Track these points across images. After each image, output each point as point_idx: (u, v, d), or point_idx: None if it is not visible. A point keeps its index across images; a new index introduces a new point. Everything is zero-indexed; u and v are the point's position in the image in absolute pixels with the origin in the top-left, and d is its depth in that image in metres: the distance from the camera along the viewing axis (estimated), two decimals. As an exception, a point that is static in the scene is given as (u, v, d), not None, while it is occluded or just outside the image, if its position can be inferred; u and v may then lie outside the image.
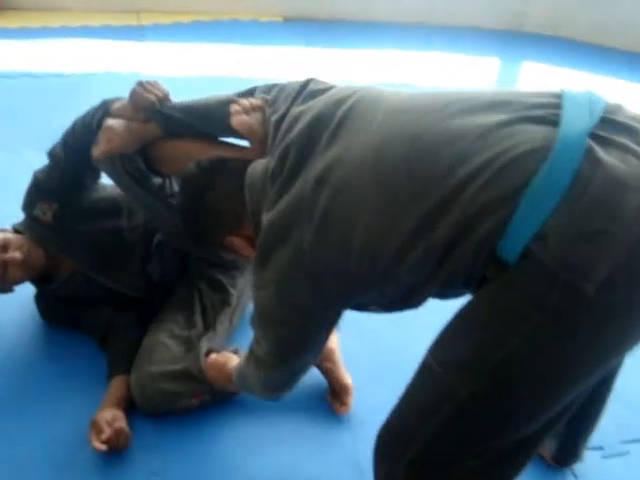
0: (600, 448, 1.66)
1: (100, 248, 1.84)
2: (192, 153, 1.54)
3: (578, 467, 1.60)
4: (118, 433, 1.51)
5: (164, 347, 1.70)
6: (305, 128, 1.16)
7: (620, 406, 1.65)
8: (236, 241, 1.30)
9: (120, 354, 1.75)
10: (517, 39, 4.97)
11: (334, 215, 1.06)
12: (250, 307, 1.89)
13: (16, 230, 1.85)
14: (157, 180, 1.76)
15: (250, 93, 1.50)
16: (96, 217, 1.85)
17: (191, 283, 1.88)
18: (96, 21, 4.53)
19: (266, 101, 1.39)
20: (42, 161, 1.83)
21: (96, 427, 1.54)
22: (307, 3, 4.80)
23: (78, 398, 1.74)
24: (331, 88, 1.27)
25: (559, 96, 1.00)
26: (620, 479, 1.61)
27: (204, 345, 1.72)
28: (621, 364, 1.24)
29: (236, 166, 1.30)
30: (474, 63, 4.48)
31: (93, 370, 1.81)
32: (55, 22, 4.50)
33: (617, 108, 0.98)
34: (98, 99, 1.70)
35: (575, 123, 0.94)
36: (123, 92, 1.66)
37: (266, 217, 1.17)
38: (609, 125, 0.95)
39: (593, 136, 0.93)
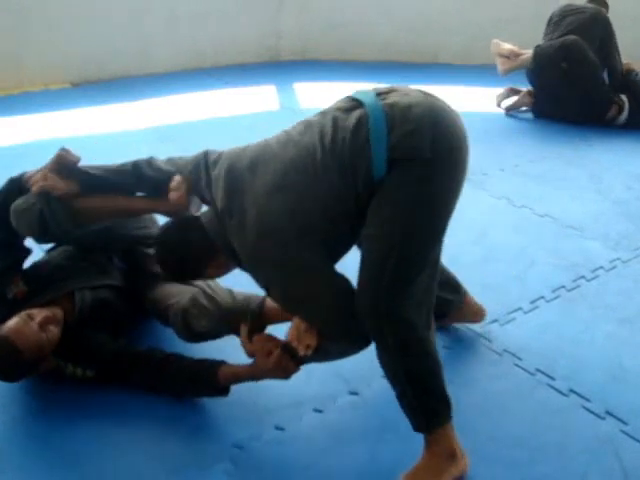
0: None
1: (77, 263, 2.12)
2: (111, 206, 2.01)
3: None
4: None
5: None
6: (225, 186, 1.74)
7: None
8: (214, 271, 1.85)
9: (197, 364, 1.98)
10: (279, 67, 5.76)
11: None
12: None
13: None
14: None
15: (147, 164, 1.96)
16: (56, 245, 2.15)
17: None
18: None
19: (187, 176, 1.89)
20: None
21: None
22: (90, 68, 5.08)
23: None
24: (222, 153, 1.83)
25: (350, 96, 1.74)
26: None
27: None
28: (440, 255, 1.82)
29: (188, 224, 1.85)
30: (255, 92, 5.11)
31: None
32: None
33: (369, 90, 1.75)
34: None
35: (367, 97, 1.69)
36: None
37: (247, 238, 1.68)
38: (380, 93, 1.70)
39: (379, 97, 1.68)
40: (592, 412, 2.05)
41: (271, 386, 2.10)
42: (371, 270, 1.66)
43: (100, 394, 2.07)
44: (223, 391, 1.97)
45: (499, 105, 4.78)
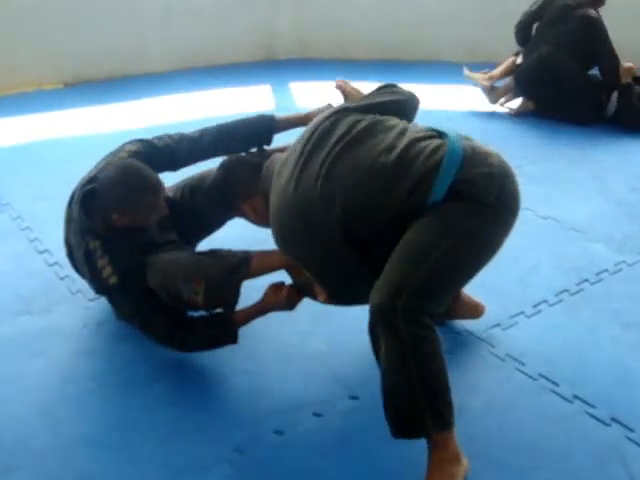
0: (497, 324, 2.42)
1: None
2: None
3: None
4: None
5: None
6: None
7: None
8: (246, 208, 2.08)
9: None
10: (275, 66, 5.74)
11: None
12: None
13: None
14: None
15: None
16: None
17: None
18: None
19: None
20: None
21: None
22: (83, 68, 5.03)
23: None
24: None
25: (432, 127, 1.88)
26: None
27: None
28: None
29: (249, 162, 2.14)
30: (251, 91, 5.06)
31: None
32: None
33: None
34: None
35: (450, 132, 1.80)
36: None
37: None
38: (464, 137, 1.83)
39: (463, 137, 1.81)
40: (597, 418, 2.00)
41: (271, 390, 2.08)
42: (402, 268, 1.68)
43: (98, 397, 2.06)
44: (235, 334, 2.09)
45: (501, 104, 4.77)
